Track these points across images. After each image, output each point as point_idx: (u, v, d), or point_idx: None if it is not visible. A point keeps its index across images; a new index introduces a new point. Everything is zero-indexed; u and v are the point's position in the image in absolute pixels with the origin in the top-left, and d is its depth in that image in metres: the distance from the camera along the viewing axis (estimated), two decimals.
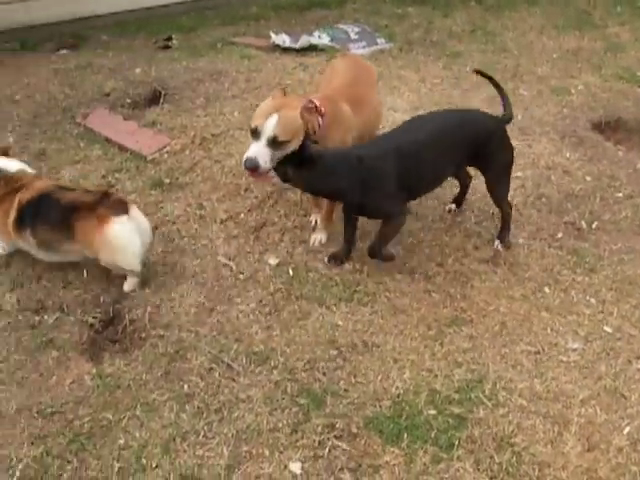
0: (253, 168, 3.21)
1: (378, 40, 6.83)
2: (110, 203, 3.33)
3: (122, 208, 3.35)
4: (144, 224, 3.49)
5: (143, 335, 3.28)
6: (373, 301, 3.48)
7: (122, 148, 4.67)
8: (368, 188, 3.33)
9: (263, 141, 3.20)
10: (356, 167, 3.30)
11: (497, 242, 3.91)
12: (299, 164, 3.20)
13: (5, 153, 3.75)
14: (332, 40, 6.68)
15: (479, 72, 3.95)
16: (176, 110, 5.11)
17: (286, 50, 6.44)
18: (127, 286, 3.52)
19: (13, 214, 3.46)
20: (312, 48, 6.49)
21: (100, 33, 7.22)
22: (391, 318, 3.39)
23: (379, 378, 3.09)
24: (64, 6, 7.26)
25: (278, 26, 7.32)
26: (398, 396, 2.98)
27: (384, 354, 3.19)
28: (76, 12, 7.35)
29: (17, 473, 2.67)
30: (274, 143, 3.19)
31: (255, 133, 3.23)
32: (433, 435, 2.82)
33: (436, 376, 3.09)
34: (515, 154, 3.76)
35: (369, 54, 6.45)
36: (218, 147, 4.61)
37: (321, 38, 6.65)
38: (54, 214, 3.37)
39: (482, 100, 5.41)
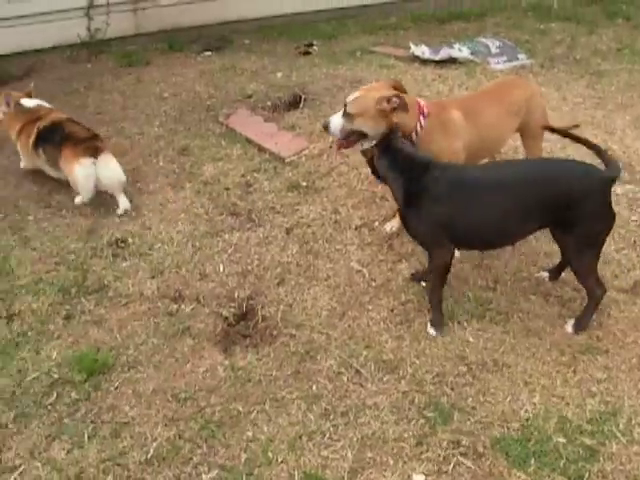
0: (325, 127, 3.62)
1: (519, 55, 6.68)
2: (89, 145, 4.30)
3: (93, 152, 4.27)
4: (111, 170, 4.32)
5: (274, 333, 3.34)
6: (505, 320, 3.40)
7: (261, 149, 4.79)
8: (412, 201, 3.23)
9: (341, 112, 3.53)
10: (416, 172, 3.20)
11: (570, 324, 3.35)
12: (382, 150, 3.29)
13: (29, 95, 4.81)
14: (472, 53, 6.60)
15: (551, 129, 3.59)
16: (315, 115, 5.19)
17: (425, 62, 6.41)
18: (76, 200, 4.43)
19: (32, 137, 4.51)
20: (451, 61, 6.42)
21: (243, 37, 7.44)
22: (523, 339, 3.29)
23: (508, 399, 3.01)
24: (211, 10, 7.53)
25: (417, 37, 7.30)
26: (527, 420, 2.89)
27: (514, 375, 3.11)
28: (221, 16, 7.60)
29: (151, 451, 2.77)
30: (346, 115, 3.49)
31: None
32: (562, 464, 2.71)
33: (567, 404, 2.97)
34: None
35: (509, 69, 6.32)
36: (356, 153, 4.63)
37: (461, 51, 6.58)
38: (57, 138, 4.36)
39: (627, 122, 5.19)
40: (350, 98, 3.52)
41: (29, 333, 3.42)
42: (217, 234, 4.03)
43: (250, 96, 5.64)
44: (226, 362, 3.17)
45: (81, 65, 6.75)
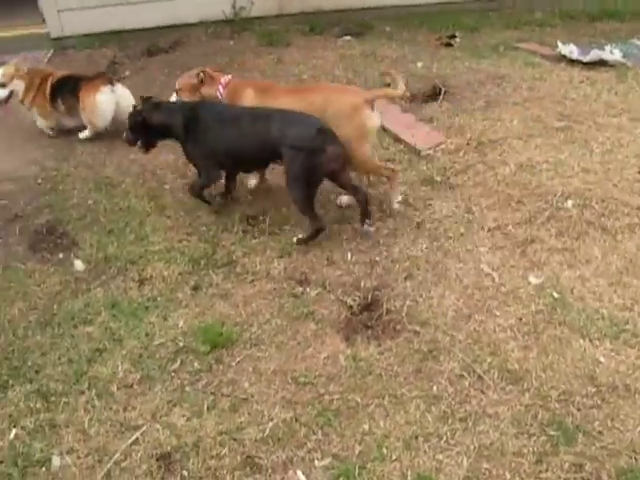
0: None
1: None
2: (102, 78, 5.18)
3: (110, 81, 5.17)
4: (126, 96, 5.18)
5: (398, 327, 3.28)
6: None
7: (397, 139, 4.73)
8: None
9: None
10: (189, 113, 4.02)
11: None
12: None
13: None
14: (625, 56, 6.24)
15: None
16: (454, 109, 5.07)
17: (573, 62, 6.12)
18: (82, 135, 5.28)
19: (48, 92, 5.16)
20: (601, 63, 6.10)
21: (384, 24, 7.37)
22: None
23: (639, 429, 2.82)
24: None
25: (564, 35, 6.99)
26: None
27: None
28: (363, 2, 7.57)
29: (267, 430, 2.79)
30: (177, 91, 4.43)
31: None
32: None
33: None
34: None
35: None
36: (494, 153, 4.50)
37: (613, 53, 6.23)
38: (71, 86, 5.11)
39: None
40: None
41: (158, 299, 3.52)
42: (347, 221, 4.00)
43: (389, 84, 5.56)
44: (348, 351, 3.14)
45: (224, 41, 6.91)
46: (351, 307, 3.40)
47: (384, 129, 4.85)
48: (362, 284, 3.53)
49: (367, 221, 3.85)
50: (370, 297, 3.45)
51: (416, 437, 2.76)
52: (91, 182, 4.66)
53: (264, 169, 4.29)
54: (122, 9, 6.97)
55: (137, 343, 3.24)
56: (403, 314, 3.33)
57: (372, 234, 3.88)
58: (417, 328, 3.25)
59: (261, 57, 6.39)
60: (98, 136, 5.29)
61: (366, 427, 2.80)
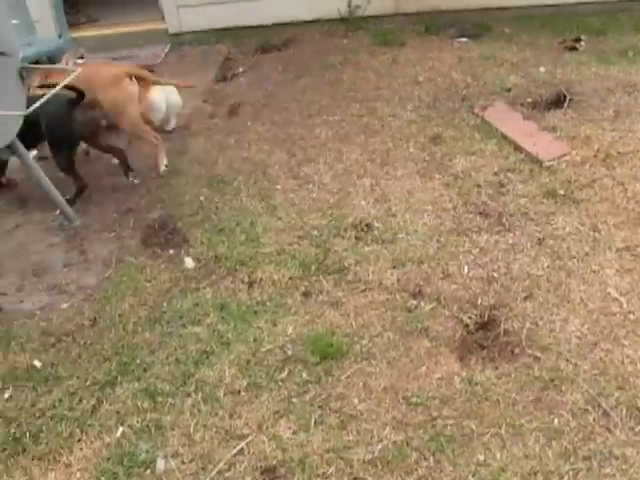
0: None
1: None
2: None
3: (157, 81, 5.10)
4: (174, 94, 5.22)
5: (516, 351, 3.08)
6: None
7: (518, 148, 4.50)
8: None
9: None
10: None
11: None
12: None
13: (81, 57, 5.42)
14: None
15: None
16: (580, 118, 4.78)
17: None
18: None
19: None
20: None
21: (503, 26, 7.07)
22: None
23: None
24: None
25: None
26: None
27: None
28: (481, 2, 7.30)
29: (376, 452, 2.67)
30: None
31: None
32: None
33: None
34: None
35: None
36: (623, 167, 4.20)
37: None
38: None
39: None
40: None
41: (267, 303, 3.46)
42: (464, 233, 3.82)
43: (509, 89, 5.33)
44: (463, 373, 2.97)
45: (338, 40, 6.82)
46: (467, 325, 3.23)
47: (503, 136, 4.64)
48: (479, 301, 3.35)
49: (130, 173, 4.75)
50: (487, 316, 3.27)
51: (535, 474, 2.57)
52: (203, 179, 4.67)
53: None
54: (238, 6, 7.00)
55: (245, 348, 3.18)
56: (522, 337, 3.13)
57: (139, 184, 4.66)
58: (537, 353, 3.05)
59: (375, 57, 6.26)
60: (209, 133, 5.30)
61: (481, 458, 2.63)
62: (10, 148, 3.87)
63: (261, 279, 3.63)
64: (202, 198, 4.44)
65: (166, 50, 7.13)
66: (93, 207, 4.56)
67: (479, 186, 4.19)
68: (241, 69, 6.54)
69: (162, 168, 4.81)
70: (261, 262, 3.74)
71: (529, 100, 5.14)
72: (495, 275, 3.49)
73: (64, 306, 3.68)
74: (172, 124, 5.41)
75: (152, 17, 7.21)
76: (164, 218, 4.28)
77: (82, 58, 5.43)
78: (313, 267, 3.68)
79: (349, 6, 6.86)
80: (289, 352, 3.14)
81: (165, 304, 3.55)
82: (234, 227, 4.08)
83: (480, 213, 3.97)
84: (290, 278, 3.61)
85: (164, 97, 5.08)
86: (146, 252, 4.00)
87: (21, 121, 3.79)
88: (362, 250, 3.77)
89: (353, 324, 3.27)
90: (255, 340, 3.23)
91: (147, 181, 4.76)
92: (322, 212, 4.12)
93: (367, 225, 3.96)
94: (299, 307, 3.41)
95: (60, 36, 5.74)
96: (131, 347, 3.29)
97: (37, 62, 5.91)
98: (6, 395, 3.13)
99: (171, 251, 3.99)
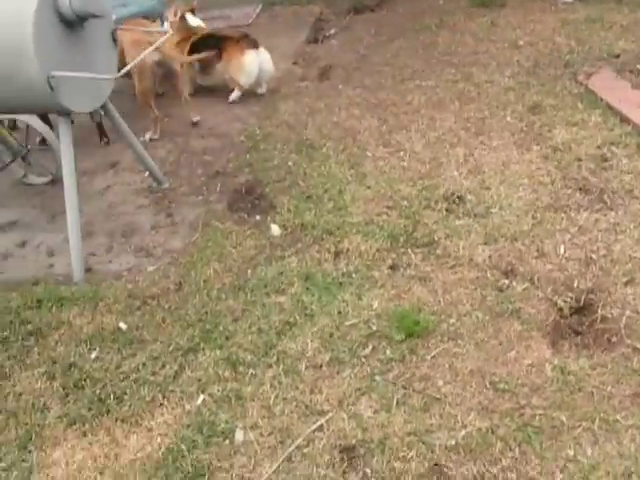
0: None
1: None
2: (247, 41, 5.17)
3: (254, 45, 5.17)
4: (267, 61, 5.26)
5: (613, 339, 2.90)
6: None
7: (624, 119, 4.21)
8: None
9: None
10: None
11: None
12: None
13: (192, 10, 5.54)
14: None
15: None
16: None
17: None
18: (231, 97, 5.37)
19: (186, 49, 5.21)
20: None
21: None
22: None
23: None
24: None
25: None
26: None
27: None
28: None
29: (459, 438, 2.57)
30: None
31: None
32: None
33: None
34: None
35: None
36: None
37: None
38: (212, 43, 5.18)
39: None
40: None
41: (354, 275, 3.38)
42: (561, 209, 3.62)
43: (618, 56, 4.99)
44: (555, 360, 2.82)
45: (433, 1, 6.57)
46: (561, 309, 3.05)
47: (609, 107, 4.35)
48: (575, 284, 3.16)
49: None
50: (583, 300, 3.08)
51: (629, 475, 2.41)
52: (292, 143, 4.60)
53: None
54: None
55: (328, 321, 3.12)
56: (621, 325, 2.94)
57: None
58: (637, 344, 2.85)
59: (473, 19, 5.99)
60: (299, 97, 5.21)
61: (570, 453, 2.49)
62: (103, 109, 3.89)
63: (348, 249, 3.55)
64: (290, 163, 4.38)
65: (257, 10, 7.05)
66: (182, 170, 4.57)
67: (580, 160, 3.95)
68: (333, 30, 6.39)
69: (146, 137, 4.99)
70: (348, 232, 3.66)
71: (639, 67, 4.79)
72: (594, 257, 3.29)
73: (150, 269, 3.72)
74: (263, 89, 5.41)
75: None
76: (251, 183, 4.25)
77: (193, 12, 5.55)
78: (401, 239, 3.57)
79: None
80: (373, 327, 3.06)
81: (250, 271, 3.52)
82: (322, 194, 4.01)
83: (580, 189, 3.75)
84: (377, 250, 3.51)
85: (257, 62, 5.12)
86: (233, 217, 3.98)
87: (113, 84, 3.80)
88: (453, 223, 3.63)
89: (441, 301, 3.15)
90: (339, 313, 3.16)
91: (235, 145, 4.72)
92: (412, 182, 3.99)
93: (459, 197, 3.81)
94: (386, 281, 3.32)
95: None
96: (214, 314, 3.28)
97: None
98: (93, 355, 3.18)
99: (257, 217, 3.96)
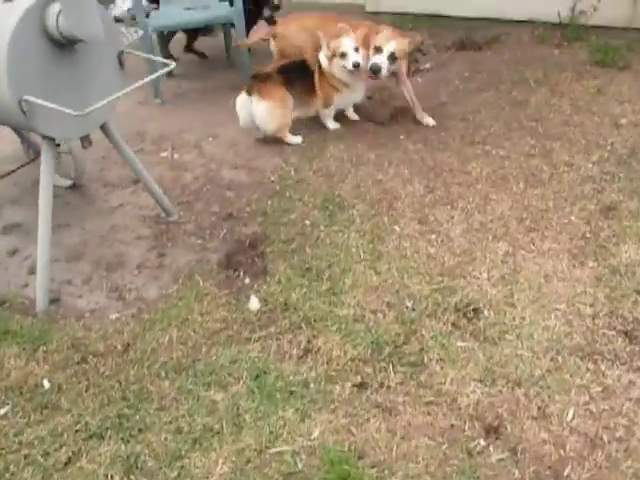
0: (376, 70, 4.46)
1: None
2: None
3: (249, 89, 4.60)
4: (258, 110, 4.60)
5: None
6: None
7: None
8: None
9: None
10: None
11: None
12: None
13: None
14: None
15: None
16: None
17: None
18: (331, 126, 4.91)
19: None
20: None
21: None
22: None
23: None
24: None
25: None
26: None
27: None
28: None
29: None
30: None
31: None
32: None
33: None
34: None
35: None
36: None
37: None
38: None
39: None
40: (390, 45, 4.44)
41: (311, 385, 2.86)
42: (591, 356, 2.86)
43: None
44: None
45: (547, 49, 5.80)
46: None
47: None
48: (567, 471, 2.46)
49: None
50: None
51: None
52: (320, 196, 4.07)
53: None
54: None
55: (253, 441, 2.60)
56: None
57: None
58: None
59: (580, 80, 5.14)
60: (354, 139, 4.66)
61: None
62: (103, 130, 3.54)
63: (319, 349, 3.01)
64: (307, 222, 3.86)
65: None
66: (197, 203, 4.18)
67: None
68: (428, 65, 5.76)
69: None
70: (330, 326, 3.11)
71: None
72: (605, 438, 2.56)
73: (112, 317, 3.35)
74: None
75: None
76: (258, 236, 3.79)
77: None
78: (386, 350, 2.98)
79: (572, 10, 5.73)
80: (299, 465, 2.51)
81: (204, 350, 3.07)
82: (323, 270, 3.47)
83: (626, 333, 2.99)
84: (352, 359, 2.94)
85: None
86: (220, 275, 3.54)
87: (113, 109, 3.42)
88: (453, 344, 2.99)
89: (393, 451, 2.55)
90: (271, 433, 2.63)
91: (263, 185, 4.25)
92: (430, 277, 3.37)
93: (474, 310, 3.15)
94: (343, 403, 2.75)
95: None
96: (142, 395, 2.85)
97: (206, 28, 5.63)
98: (1, 412, 2.83)
99: (247, 280, 3.49)
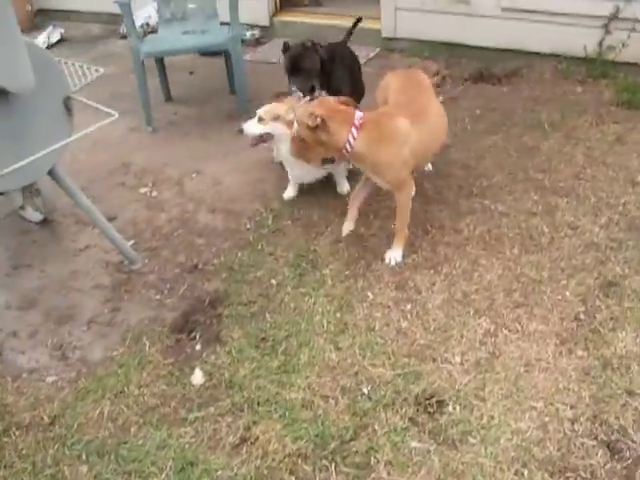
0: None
1: None
2: None
3: None
4: None
5: None
6: None
7: None
8: None
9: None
10: None
11: None
12: None
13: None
14: None
15: None
16: None
17: None
18: None
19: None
20: None
21: None
22: None
23: None
24: None
25: None
26: None
27: None
28: None
29: None
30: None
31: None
32: None
33: None
34: None
35: None
36: None
37: None
38: None
39: None
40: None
41: None
42: (562, 473, 2.50)
43: None
44: None
45: (570, 86, 5.35)
46: None
47: None
48: None
49: None
50: None
51: None
52: (293, 251, 3.74)
53: None
54: (461, 19, 5.73)
55: None
56: None
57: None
58: None
59: (600, 124, 4.67)
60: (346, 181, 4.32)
61: None
62: (52, 177, 3.28)
63: (256, 439, 2.70)
64: (274, 282, 3.54)
65: (370, 55, 6.15)
66: (164, 250, 3.90)
67: (631, 394, 2.77)
68: (440, 98, 5.35)
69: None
70: (272, 413, 2.80)
71: None
72: None
73: (49, 380, 3.10)
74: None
75: (371, 14, 6.21)
76: (219, 295, 3.50)
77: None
78: (331, 446, 2.65)
79: (600, 45, 5.27)
80: None
81: (133, 430, 2.78)
82: (279, 341, 3.16)
83: (608, 446, 2.59)
84: (289, 455, 2.62)
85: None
86: (168, 339, 3.25)
87: (59, 154, 3.16)
88: (407, 445, 2.64)
89: None
90: None
91: (237, 232, 3.95)
92: (394, 358, 3.02)
93: (438, 403, 2.79)
94: None
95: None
96: None
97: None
98: None
99: (197, 346, 3.21)
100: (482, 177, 4.24)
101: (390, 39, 6.19)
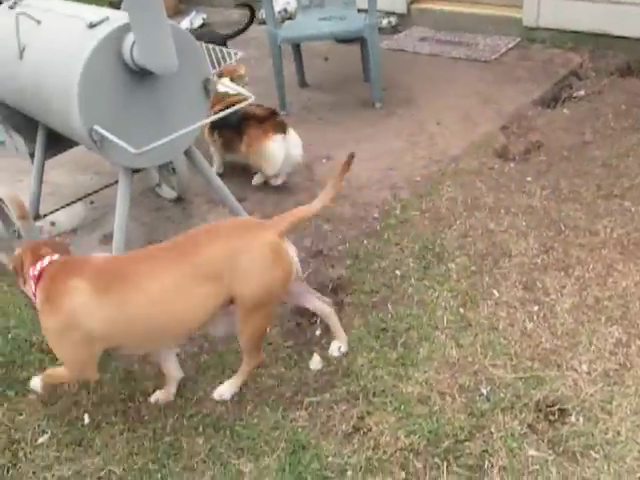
0: None
1: None
2: (274, 122, 4.17)
3: (282, 129, 4.16)
4: (295, 146, 4.26)
5: None
6: None
7: None
8: None
9: None
10: None
11: None
12: None
13: (233, 75, 4.55)
14: None
15: None
16: None
17: None
18: (254, 180, 4.50)
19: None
20: None
21: None
22: None
23: None
24: None
25: None
26: None
27: None
28: None
29: None
30: None
31: None
32: None
33: None
34: None
35: None
36: None
37: None
38: (234, 120, 4.01)
39: None
40: None
41: (348, 472, 2.54)
42: None
43: None
44: None
45: None
46: None
47: None
48: None
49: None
50: None
51: None
52: (420, 243, 3.69)
53: None
54: (610, 9, 5.39)
55: None
56: None
57: None
58: None
59: None
60: (475, 177, 4.21)
61: None
62: (187, 156, 3.42)
63: (369, 430, 2.70)
64: (398, 272, 3.51)
65: (510, 45, 5.94)
66: (291, 234, 3.92)
67: None
68: (582, 92, 5.13)
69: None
70: (388, 404, 2.78)
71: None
72: None
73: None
74: (279, 180, 4.41)
75: (513, 2, 6.01)
76: (343, 281, 3.55)
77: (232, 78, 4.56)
78: (445, 444, 2.61)
79: None
80: None
81: (248, 409, 2.88)
82: (400, 333, 3.13)
83: None
84: (400, 449, 2.61)
85: (283, 151, 4.20)
86: (290, 323, 3.33)
87: (195, 134, 3.29)
88: (524, 452, 2.55)
89: None
90: None
91: (365, 221, 3.96)
92: (517, 360, 2.92)
93: (560, 412, 2.68)
94: None
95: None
96: (171, 451, 2.72)
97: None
98: (40, 440, 2.81)
99: (317, 331, 3.26)
100: (624, 177, 4.01)
101: (532, 29, 5.96)
